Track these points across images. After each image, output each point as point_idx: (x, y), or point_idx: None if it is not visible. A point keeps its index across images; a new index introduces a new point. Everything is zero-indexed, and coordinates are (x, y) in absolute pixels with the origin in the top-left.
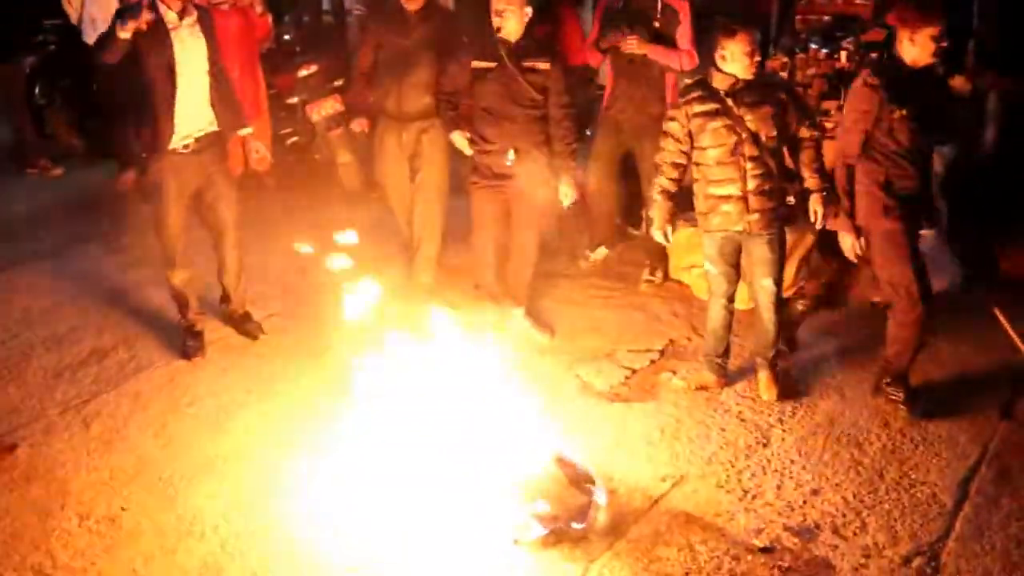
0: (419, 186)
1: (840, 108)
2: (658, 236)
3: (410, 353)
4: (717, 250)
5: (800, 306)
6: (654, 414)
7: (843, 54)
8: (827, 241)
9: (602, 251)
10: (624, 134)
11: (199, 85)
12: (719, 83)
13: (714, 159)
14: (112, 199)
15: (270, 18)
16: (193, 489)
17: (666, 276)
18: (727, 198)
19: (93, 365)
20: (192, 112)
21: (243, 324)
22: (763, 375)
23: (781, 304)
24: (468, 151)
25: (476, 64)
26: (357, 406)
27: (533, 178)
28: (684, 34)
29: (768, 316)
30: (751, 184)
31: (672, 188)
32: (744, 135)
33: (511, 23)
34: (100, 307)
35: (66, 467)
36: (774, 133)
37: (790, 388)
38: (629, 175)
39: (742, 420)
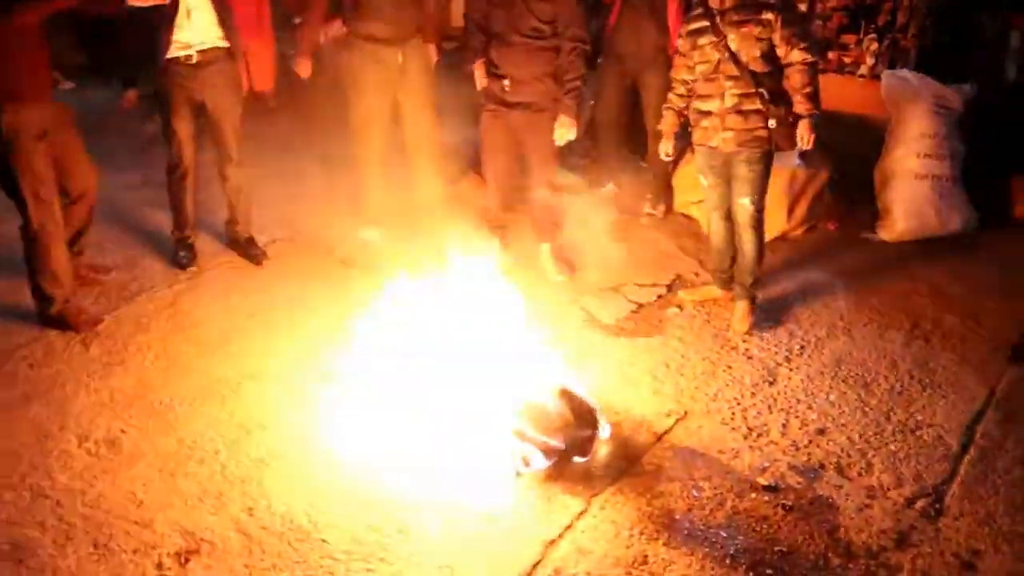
0: (414, 102)
1: (859, 42)
2: (660, 151)
3: (415, 283)
4: (706, 163)
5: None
6: (660, 349)
7: None
8: (840, 179)
9: (610, 187)
10: (627, 65)
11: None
12: (712, 1)
13: (701, 74)
14: (116, 118)
15: None
16: (194, 413)
17: (668, 209)
18: (707, 114)
19: (94, 286)
20: (196, 25)
21: (248, 249)
22: (739, 304)
23: (760, 227)
24: (480, 84)
25: None
26: (361, 334)
27: (536, 109)
28: None
29: (746, 236)
30: (728, 102)
31: (678, 104)
32: (725, 54)
33: None
34: (102, 227)
35: (65, 388)
36: (756, 54)
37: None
38: (636, 107)
39: (748, 358)
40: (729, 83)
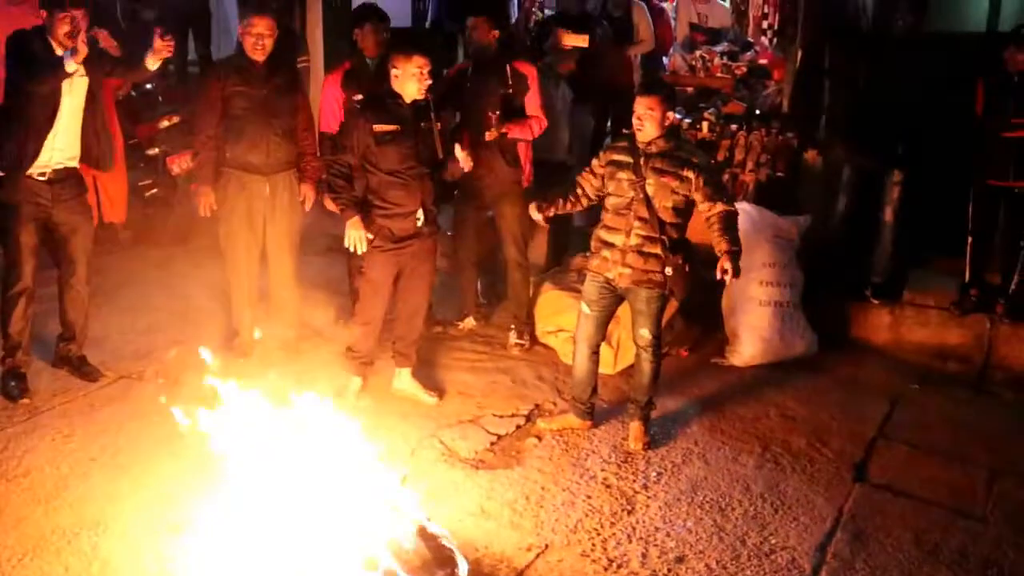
0: (279, 235)
1: None
2: (532, 212)
3: (268, 420)
4: (595, 292)
5: None
6: (519, 481)
7: (705, 124)
8: (691, 307)
9: (470, 321)
10: (485, 200)
11: (75, 120)
12: (640, 140)
13: (612, 207)
14: None
15: None
16: (23, 569)
17: (533, 339)
18: (610, 245)
19: None
20: (62, 145)
21: (81, 367)
22: (634, 424)
23: (658, 352)
24: (363, 247)
25: (379, 128)
26: (210, 477)
27: (429, 235)
28: (533, 99)
29: (645, 358)
30: (633, 241)
31: (565, 197)
32: (640, 195)
33: (411, 85)
34: None
35: None
36: (669, 205)
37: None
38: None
39: (607, 486)
40: (638, 223)
